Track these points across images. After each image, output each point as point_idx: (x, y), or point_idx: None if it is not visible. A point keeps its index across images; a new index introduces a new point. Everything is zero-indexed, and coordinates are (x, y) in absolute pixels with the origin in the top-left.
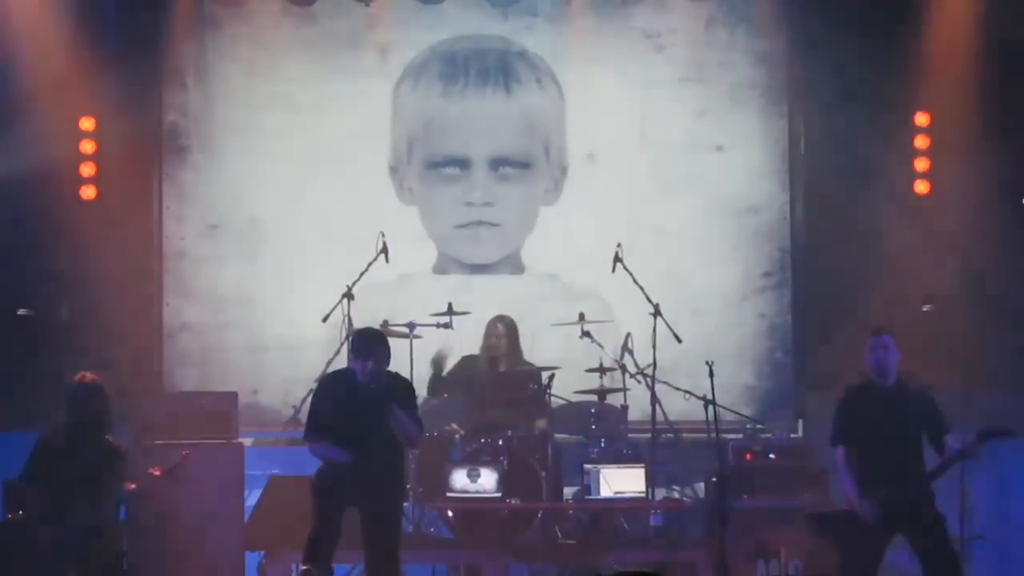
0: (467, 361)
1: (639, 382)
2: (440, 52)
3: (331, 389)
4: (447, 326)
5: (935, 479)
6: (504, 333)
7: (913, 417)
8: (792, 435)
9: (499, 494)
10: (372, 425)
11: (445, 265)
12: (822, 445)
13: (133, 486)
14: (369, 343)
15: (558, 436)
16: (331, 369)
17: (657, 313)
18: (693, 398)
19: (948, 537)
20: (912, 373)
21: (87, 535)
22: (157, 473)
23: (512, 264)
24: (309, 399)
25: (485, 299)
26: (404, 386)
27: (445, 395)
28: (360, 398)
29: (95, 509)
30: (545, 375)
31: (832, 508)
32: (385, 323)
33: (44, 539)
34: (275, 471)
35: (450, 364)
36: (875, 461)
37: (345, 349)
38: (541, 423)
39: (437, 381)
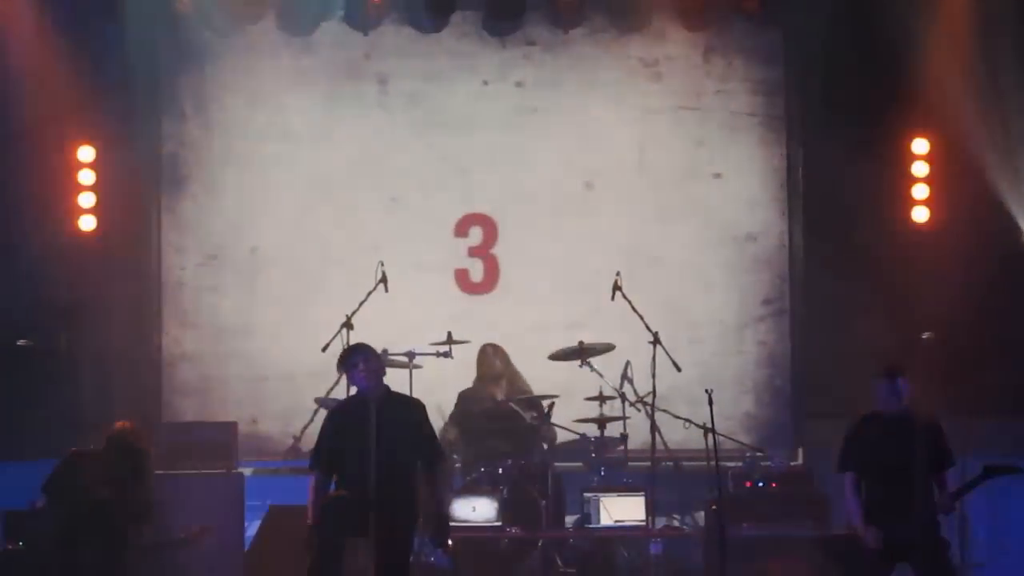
0: (463, 396)
1: (639, 410)
2: None
3: (340, 418)
4: (447, 355)
5: (946, 511)
6: (498, 355)
7: (921, 447)
8: (792, 463)
9: (499, 523)
10: (384, 452)
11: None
12: (822, 473)
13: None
14: (351, 351)
15: (558, 465)
16: (331, 398)
17: (656, 341)
18: (693, 426)
19: (951, 565)
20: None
21: (97, 570)
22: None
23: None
24: (309, 428)
25: (484, 328)
26: (412, 405)
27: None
28: (370, 425)
29: (111, 546)
30: (545, 404)
31: (835, 533)
32: (384, 352)
33: (53, 566)
34: (275, 500)
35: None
36: (882, 488)
37: (344, 380)
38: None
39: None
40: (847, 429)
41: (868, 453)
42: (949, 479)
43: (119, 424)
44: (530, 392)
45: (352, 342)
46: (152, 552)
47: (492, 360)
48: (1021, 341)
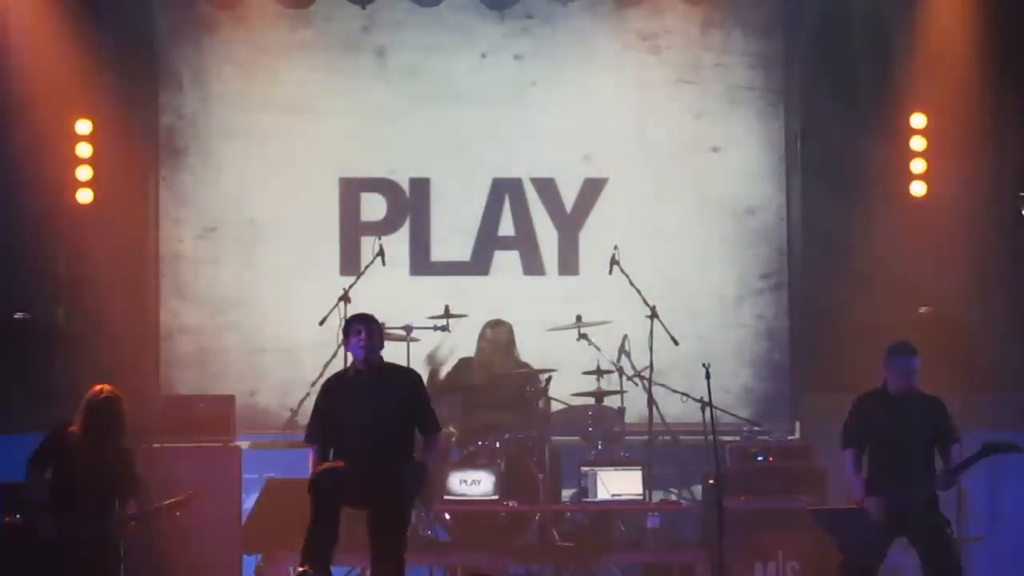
0: (464, 363)
1: (636, 384)
2: None
3: (334, 390)
4: (444, 329)
5: (945, 486)
6: (492, 339)
7: (924, 423)
8: (789, 437)
9: (496, 497)
10: (379, 422)
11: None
12: (819, 446)
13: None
14: (357, 319)
15: (555, 438)
16: (329, 371)
17: (654, 315)
18: (690, 400)
19: (951, 540)
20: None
21: (86, 539)
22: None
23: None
24: (307, 401)
25: (483, 302)
26: (409, 375)
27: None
28: (365, 395)
29: (99, 516)
30: (542, 377)
31: (836, 506)
32: (382, 326)
33: (43, 537)
34: (272, 473)
35: (447, 366)
36: (885, 463)
37: (342, 352)
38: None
39: (432, 380)
40: (851, 405)
41: (872, 429)
42: (952, 454)
43: (94, 388)
44: (527, 366)
45: (349, 316)
46: (139, 521)
47: (483, 345)
48: (1019, 315)
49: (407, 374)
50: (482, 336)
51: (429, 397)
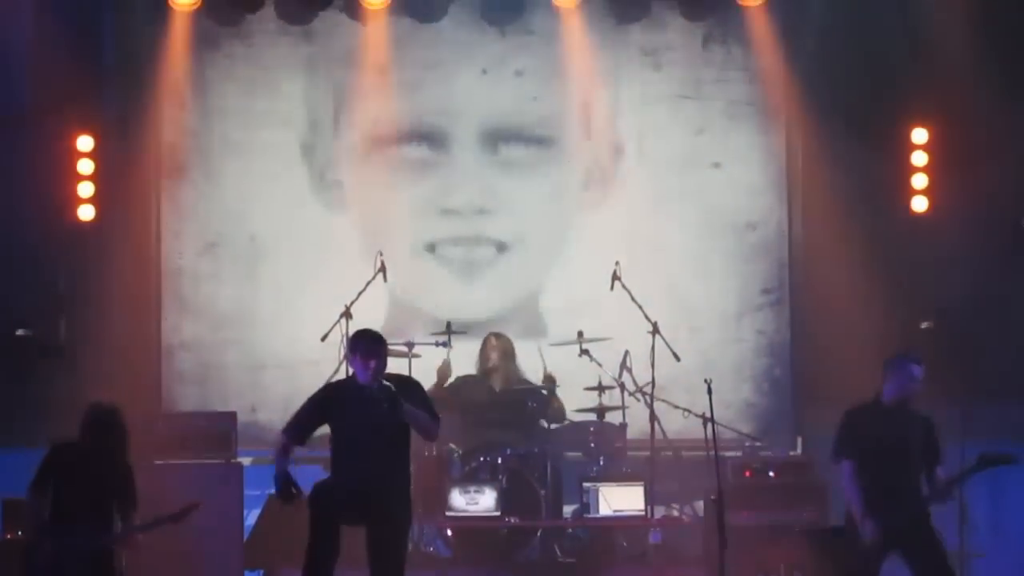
0: (462, 381)
1: (638, 400)
2: None
3: (334, 398)
4: (445, 345)
5: (939, 500)
6: (498, 347)
7: (915, 438)
8: (791, 452)
9: (498, 512)
10: (378, 435)
11: (401, 322)
12: (821, 462)
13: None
14: (372, 343)
15: (557, 454)
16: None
17: (656, 331)
18: (692, 415)
19: (945, 555)
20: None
21: (87, 556)
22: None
23: (525, 319)
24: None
25: (484, 316)
26: (409, 383)
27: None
28: (365, 407)
29: (100, 532)
30: (544, 393)
31: (829, 524)
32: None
33: (44, 554)
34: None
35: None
36: (876, 477)
37: (343, 368)
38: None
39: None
40: (842, 417)
41: (864, 441)
42: (945, 470)
43: (95, 402)
44: (528, 383)
45: (351, 332)
46: (138, 534)
47: (489, 352)
48: (1019, 328)
49: (407, 383)
50: (486, 346)
51: (431, 401)
